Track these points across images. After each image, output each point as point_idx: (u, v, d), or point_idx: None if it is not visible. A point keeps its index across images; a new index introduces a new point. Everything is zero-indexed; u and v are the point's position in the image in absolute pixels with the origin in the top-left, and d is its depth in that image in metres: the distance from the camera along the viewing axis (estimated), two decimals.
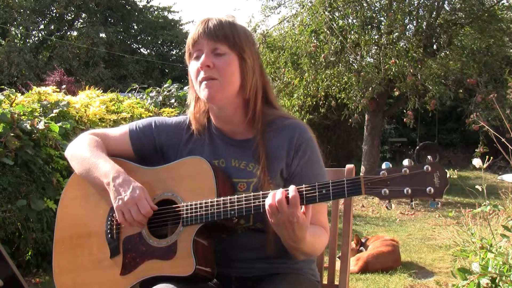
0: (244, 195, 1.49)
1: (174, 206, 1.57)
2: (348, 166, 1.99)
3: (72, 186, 1.77)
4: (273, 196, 1.42)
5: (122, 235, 1.63)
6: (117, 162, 1.67)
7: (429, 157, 1.38)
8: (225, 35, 1.57)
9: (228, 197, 1.50)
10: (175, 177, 1.61)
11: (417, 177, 1.35)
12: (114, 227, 1.64)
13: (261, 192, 1.48)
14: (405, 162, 1.39)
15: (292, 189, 1.42)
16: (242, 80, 1.60)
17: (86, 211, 1.70)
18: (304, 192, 1.43)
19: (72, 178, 1.77)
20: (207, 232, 1.55)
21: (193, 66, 1.61)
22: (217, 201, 1.51)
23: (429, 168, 1.35)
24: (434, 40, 9.22)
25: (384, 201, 1.39)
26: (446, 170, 1.37)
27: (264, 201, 1.45)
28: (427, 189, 1.34)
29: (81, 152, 1.69)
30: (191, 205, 1.53)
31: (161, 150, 1.72)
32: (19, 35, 22.08)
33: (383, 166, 1.39)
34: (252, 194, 1.49)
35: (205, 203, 1.52)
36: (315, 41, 8.64)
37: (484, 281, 2.20)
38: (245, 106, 1.64)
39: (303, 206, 1.44)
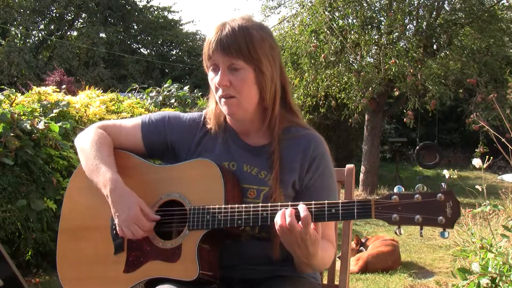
0: (252, 205, 1.48)
1: (181, 208, 1.56)
2: (348, 166, 1.99)
3: (80, 175, 1.74)
4: (283, 218, 1.40)
5: None
6: (125, 156, 1.65)
7: (443, 184, 1.35)
8: (239, 50, 1.52)
9: (236, 206, 1.48)
10: (184, 178, 1.59)
11: (429, 205, 1.32)
12: None
13: (269, 204, 1.47)
14: (418, 187, 1.36)
15: (302, 209, 1.40)
16: (260, 92, 1.59)
17: (92, 203, 1.68)
18: (313, 210, 1.41)
19: (79, 168, 1.74)
20: (212, 237, 1.54)
21: (211, 78, 1.60)
22: (224, 208, 1.49)
23: (442, 197, 1.32)
24: (434, 40, 9.22)
25: (393, 226, 1.36)
26: (456, 196, 1.32)
27: (271, 213, 1.44)
28: (439, 219, 1.31)
29: (87, 148, 1.66)
30: (198, 209, 1.52)
31: (172, 147, 1.70)
32: (19, 35, 22.05)
33: (395, 190, 1.37)
34: (260, 205, 1.47)
35: (213, 208, 1.50)
36: (315, 41, 8.64)
37: (484, 281, 2.20)
38: (263, 113, 1.63)
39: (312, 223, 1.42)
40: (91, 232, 1.67)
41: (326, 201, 1.42)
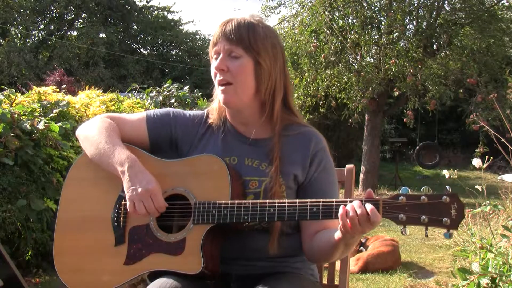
0: (259, 201, 1.49)
1: (185, 201, 1.57)
2: (348, 166, 1.99)
3: (80, 166, 1.73)
4: (353, 210, 1.38)
5: (128, 224, 1.61)
6: (131, 150, 1.65)
7: (447, 187, 1.40)
8: (240, 38, 1.58)
9: (243, 202, 1.50)
10: (189, 173, 1.60)
11: (435, 207, 1.37)
12: (122, 215, 1.62)
13: (276, 201, 1.48)
14: (423, 189, 1.40)
15: (369, 208, 1.38)
16: (257, 84, 1.61)
17: (93, 194, 1.68)
18: (320, 207, 1.44)
19: (81, 158, 1.73)
20: (217, 232, 1.55)
21: (212, 67, 1.64)
22: (231, 203, 1.50)
23: (448, 199, 1.36)
24: (434, 40, 9.22)
25: (399, 226, 1.40)
26: (460, 199, 1.37)
27: (279, 209, 1.45)
28: (444, 220, 1.35)
29: (95, 135, 1.66)
30: (203, 203, 1.53)
31: (175, 142, 1.72)
32: (19, 35, 22.04)
33: (401, 190, 1.41)
34: (267, 201, 1.49)
35: (219, 204, 1.51)
36: (315, 41, 8.65)
37: (484, 281, 2.20)
38: (261, 107, 1.66)
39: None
40: (91, 223, 1.66)
41: (334, 199, 1.44)
